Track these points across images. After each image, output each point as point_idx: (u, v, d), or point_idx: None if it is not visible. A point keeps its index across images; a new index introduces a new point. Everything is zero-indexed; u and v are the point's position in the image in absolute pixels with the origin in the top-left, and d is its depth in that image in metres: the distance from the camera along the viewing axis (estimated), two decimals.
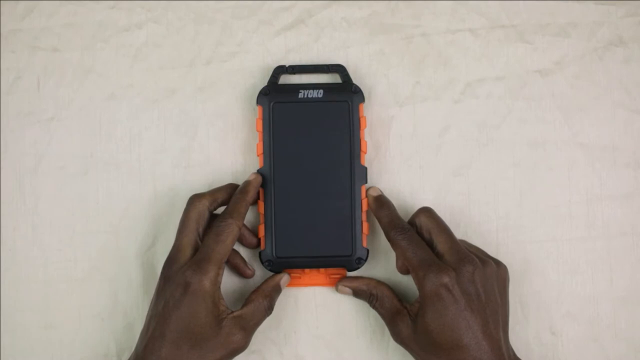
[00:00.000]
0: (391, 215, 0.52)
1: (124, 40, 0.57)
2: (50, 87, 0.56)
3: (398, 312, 0.50)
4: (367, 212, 0.54)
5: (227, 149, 0.56)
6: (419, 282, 0.48)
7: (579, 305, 0.54)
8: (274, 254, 0.54)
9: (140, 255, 0.55)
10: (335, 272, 0.54)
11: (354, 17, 0.57)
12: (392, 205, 0.53)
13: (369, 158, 0.55)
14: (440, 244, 0.49)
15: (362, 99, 0.55)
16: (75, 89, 0.56)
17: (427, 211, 0.51)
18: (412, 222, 0.52)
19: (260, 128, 0.54)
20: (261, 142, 0.54)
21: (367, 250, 0.54)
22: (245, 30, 0.57)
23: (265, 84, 0.55)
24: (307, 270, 0.54)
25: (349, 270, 0.54)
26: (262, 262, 0.54)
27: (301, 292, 0.55)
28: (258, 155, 0.54)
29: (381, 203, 0.53)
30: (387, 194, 0.55)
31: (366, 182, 0.54)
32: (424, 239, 0.50)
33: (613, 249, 0.55)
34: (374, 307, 0.52)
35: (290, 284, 0.54)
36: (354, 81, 0.55)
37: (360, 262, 0.54)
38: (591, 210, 0.55)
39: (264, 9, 0.57)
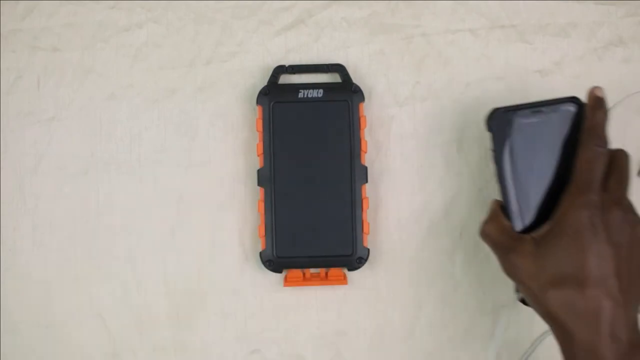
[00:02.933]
0: (603, 121, 0.46)
1: (124, 40, 0.57)
2: (50, 87, 0.56)
3: (517, 238, 0.46)
4: (367, 211, 0.54)
5: (227, 149, 0.56)
6: (565, 199, 0.45)
7: None
8: (274, 254, 0.54)
9: (140, 255, 0.55)
10: (335, 272, 0.54)
11: (354, 17, 0.57)
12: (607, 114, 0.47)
13: (370, 158, 0.55)
14: (616, 182, 0.45)
15: (362, 99, 0.55)
16: (76, 89, 0.56)
17: (625, 155, 0.46)
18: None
19: (260, 128, 0.54)
20: (261, 142, 0.54)
21: (368, 250, 0.54)
22: (245, 30, 0.57)
23: (265, 83, 0.55)
24: (307, 270, 0.54)
25: (350, 270, 0.54)
26: (263, 262, 0.54)
27: (301, 292, 0.55)
28: (258, 155, 0.54)
29: (602, 104, 0.47)
30: (387, 193, 0.55)
31: (367, 182, 0.54)
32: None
33: None
34: (485, 234, 0.48)
35: (290, 284, 0.54)
36: (354, 81, 0.55)
37: (361, 261, 0.54)
38: None
39: (264, 9, 0.57)
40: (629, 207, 0.45)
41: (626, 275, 0.43)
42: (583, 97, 0.52)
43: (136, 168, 0.56)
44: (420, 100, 0.56)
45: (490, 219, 0.48)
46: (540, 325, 0.46)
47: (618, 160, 0.46)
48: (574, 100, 0.48)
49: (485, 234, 0.48)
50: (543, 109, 0.48)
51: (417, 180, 0.56)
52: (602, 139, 0.46)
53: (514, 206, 0.47)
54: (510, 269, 0.46)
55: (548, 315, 0.44)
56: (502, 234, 0.47)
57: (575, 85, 0.56)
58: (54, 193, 0.56)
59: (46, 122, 0.56)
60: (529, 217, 0.47)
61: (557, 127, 0.48)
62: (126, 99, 0.56)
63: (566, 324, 0.43)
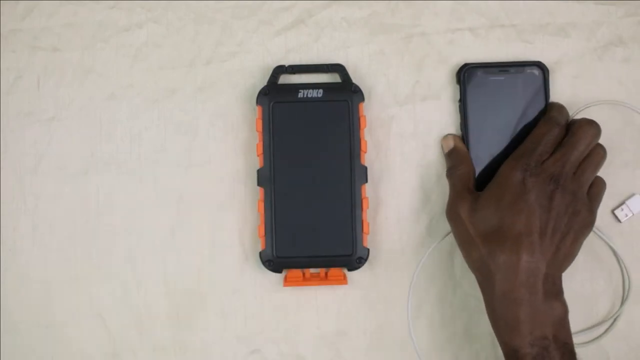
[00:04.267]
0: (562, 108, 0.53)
1: (124, 40, 0.57)
2: (50, 87, 0.56)
3: (468, 192, 0.51)
4: (367, 211, 0.54)
5: (227, 148, 0.56)
6: (508, 161, 0.51)
7: (580, 305, 0.54)
8: (274, 254, 0.54)
9: (140, 255, 0.55)
10: (335, 272, 0.54)
11: (354, 17, 0.57)
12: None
13: (370, 158, 0.55)
14: (562, 154, 0.50)
15: (362, 99, 0.55)
16: (76, 89, 0.56)
17: (594, 127, 0.51)
18: (573, 120, 0.53)
19: (260, 128, 0.54)
20: (261, 142, 0.54)
21: (368, 250, 0.54)
22: (245, 30, 0.57)
23: (265, 84, 0.55)
24: (307, 270, 0.54)
25: (350, 270, 0.54)
26: (263, 262, 0.54)
27: (302, 292, 0.55)
28: (258, 155, 0.54)
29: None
30: (388, 193, 0.55)
31: (366, 182, 0.54)
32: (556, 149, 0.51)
33: (613, 249, 0.55)
34: (450, 176, 0.53)
35: (290, 284, 0.54)
36: (354, 81, 0.55)
37: (360, 261, 0.54)
38: None
39: (264, 9, 0.57)
40: (565, 177, 0.48)
41: (550, 235, 0.47)
42: (583, 97, 0.52)
43: (136, 168, 0.56)
44: (420, 99, 0.56)
45: (461, 163, 0.53)
46: None
47: (579, 134, 0.50)
48: (539, 64, 0.55)
49: (450, 175, 0.53)
50: (510, 69, 0.55)
51: (416, 180, 0.56)
52: (561, 119, 0.52)
53: (472, 154, 0.54)
54: (450, 215, 0.51)
55: (473, 265, 0.49)
56: (461, 179, 0.52)
57: (575, 84, 0.56)
58: (54, 193, 0.56)
59: (46, 122, 0.56)
60: (484, 166, 0.54)
61: (521, 87, 0.55)
62: (126, 98, 0.56)
63: (488, 275, 0.47)
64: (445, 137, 0.55)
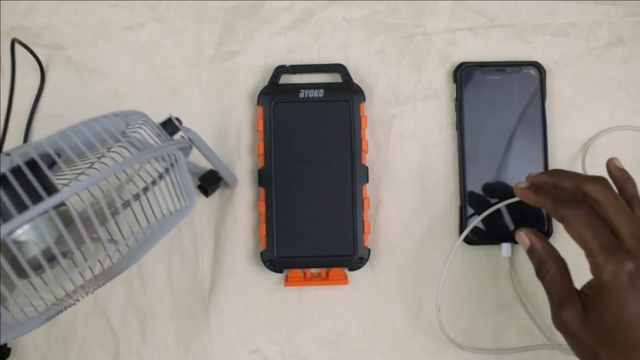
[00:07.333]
0: (553, 193, 0.44)
1: (126, 39, 0.57)
2: (54, 85, 0.56)
3: (569, 297, 0.43)
4: (368, 211, 0.54)
5: (228, 149, 0.56)
6: (598, 269, 0.41)
7: None
8: (275, 254, 0.54)
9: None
10: (336, 272, 0.54)
11: (355, 16, 0.57)
12: (550, 186, 0.46)
13: (370, 157, 0.55)
14: (621, 227, 0.41)
15: (363, 98, 0.55)
16: (80, 87, 0.56)
17: (602, 183, 0.43)
18: (579, 189, 0.44)
19: (261, 128, 0.54)
20: (262, 142, 0.54)
21: (369, 250, 0.54)
22: (247, 29, 0.57)
23: (267, 83, 0.55)
24: (308, 270, 0.55)
25: (351, 270, 0.54)
26: (264, 262, 0.54)
27: (303, 292, 0.55)
28: (259, 155, 0.54)
29: (537, 189, 0.46)
30: (388, 193, 0.55)
31: (367, 182, 0.54)
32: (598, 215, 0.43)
33: None
34: (541, 279, 0.45)
35: (291, 284, 0.54)
36: (355, 80, 0.55)
37: (362, 261, 0.54)
38: None
39: (265, 9, 0.57)
40: None
41: None
42: (582, 97, 0.53)
43: None
44: (421, 99, 0.56)
45: (545, 261, 0.45)
46: None
47: (602, 199, 0.43)
48: (535, 64, 0.55)
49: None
50: (507, 69, 0.55)
51: (417, 180, 0.56)
52: (572, 199, 0.44)
53: (468, 153, 0.54)
54: (558, 322, 0.44)
55: None
56: (553, 283, 0.44)
57: (574, 84, 0.56)
58: None
59: (51, 119, 0.56)
60: (478, 165, 0.54)
61: (517, 87, 0.55)
62: (130, 97, 0.56)
63: None
64: (517, 234, 0.46)
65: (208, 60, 0.57)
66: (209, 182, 0.54)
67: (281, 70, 0.55)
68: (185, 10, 0.57)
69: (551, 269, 0.44)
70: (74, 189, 0.34)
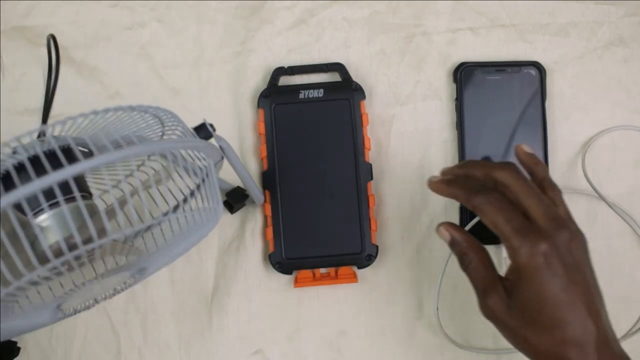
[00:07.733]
0: (464, 184, 0.45)
1: (127, 39, 0.57)
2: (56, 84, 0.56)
3: (492, 284, 0.43)
4: (374, 208, 0.54)
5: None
6: (514, 253, 0.41)
7: None
8: (283, 256, 0.54)
9: None
10: (345, 270, 0.54)
11: (355, 16, 0.57)
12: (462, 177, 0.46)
13: (371, 157, 0.55)
14: (532, 209, 0.42)
15: (363, 96, 0.55)
16: (80, 87, 0.56)
17: (511, 168, 0.43)
18: (490, 177, 0.44)
19: (263, 130, 0.54)
20: (264, 145, 0.54)
21: (377, 247, 0.54)
22: (247, 30, 0.57)
23: (266, 85, 0.55)
24: (317, 270, 0.54)
25: (359, 268, 0.54)
26: (272, 265, 0.54)
27: (304, 292, 0.55)
28: (262, 158, 0.54)
29: (449, 181, 0.46)
30: (388, 193, 0.56)
31: (372, 179, 0.54)
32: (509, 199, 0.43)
33: (613, 249, 0.55)
34: (465, 269, 0.45)
35: (300, 285, 0.54)
36: (355, 80, 0.55)
37: (370, 259, 0.54)
38: (591, 210, 0.56)
39: (266, 9, 0.57)
40: (563, 222, 0.42)
41: (566, 293, 0.41)
42: (583, 97, 0.53)
43: None
44: (422, 99, 0.56)
45: (466, 253, 0.45)
46: None
47: (511, 183, 0.43)
48: (535, 64, 0.55)
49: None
50: (507, 69, 0.55)
51: (417, 179, 0.56)
52: (482, 187, 0.43)
53: (468, 153, 0.55)
54: (485, 310, 0.44)
55: (529, 350, 0.43)
56: (475, 273, 0.45)
57: (575, 84, 0.56)
58: None
59: (51, 120, 0.56)
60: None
61: (517, 87, 0.55)
62: (131, 97, 0.56)
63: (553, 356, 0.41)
64: (438, 228, 0.46)
65: (208, 61, 0.57)
66: (235, 199, 0.53)
67: (280, 71, 0.55)
68: (186, 10, 0.57)
69: (473, 259, 0.44)
70: (97, 161, 0.34)
